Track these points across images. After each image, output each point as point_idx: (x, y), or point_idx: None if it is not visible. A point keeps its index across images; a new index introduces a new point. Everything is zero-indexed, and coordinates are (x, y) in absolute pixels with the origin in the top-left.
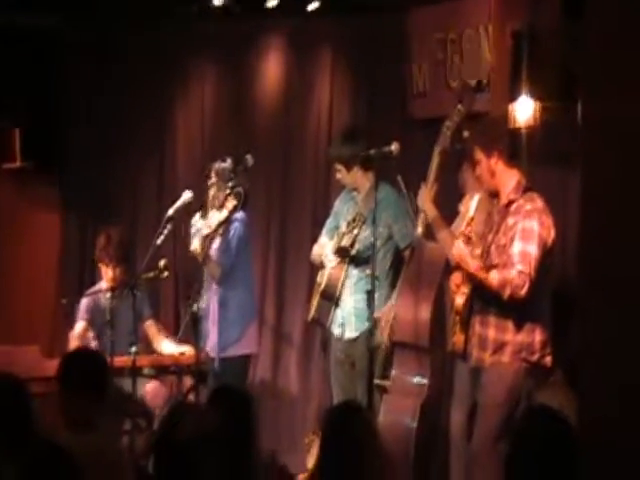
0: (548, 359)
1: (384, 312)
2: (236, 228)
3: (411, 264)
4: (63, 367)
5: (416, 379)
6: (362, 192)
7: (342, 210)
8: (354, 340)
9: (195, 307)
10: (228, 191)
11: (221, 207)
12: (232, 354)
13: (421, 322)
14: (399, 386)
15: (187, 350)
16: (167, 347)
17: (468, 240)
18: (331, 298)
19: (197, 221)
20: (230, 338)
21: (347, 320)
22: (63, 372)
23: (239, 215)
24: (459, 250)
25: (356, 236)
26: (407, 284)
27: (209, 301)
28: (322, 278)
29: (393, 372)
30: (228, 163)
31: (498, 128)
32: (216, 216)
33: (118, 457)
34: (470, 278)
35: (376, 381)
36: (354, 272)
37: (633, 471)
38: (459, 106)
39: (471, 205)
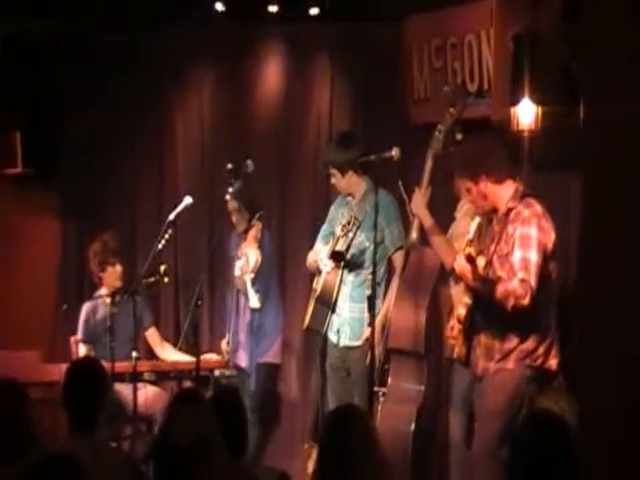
0: (553, 362)
1: (377, 320)
2: (266, 250)
3: (406, 269)
4: (66, 376)
5: (412, 386)
6: (357, 197)
7: (337, 216)
8: (349, 348)
9: (196, 314)
10: (252, 219)
11: (246, 232)
12: (264, 361)
13: (416, 328)
14: (395, 393)
15: (211, 357)
16: (171, 355)
17: (470, 259)
18: (327, 304)
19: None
20: (264, 346)
21: (343, 328)
22: (67, 380)
23: (267, 237)
24: (460, 267)
25: (351, 240)
26: (402, 290)
27: (241, 314)
28: (318, 284)
29: (389, 379)
30: (230, 167)
31: (478, 150)
32: (252, 254)
33: (118, 462)
34: (471, 290)
35: (375, 389)
36: (349, 278)
37: (634, 476)
38: (451, 109)
39: (471, 227)
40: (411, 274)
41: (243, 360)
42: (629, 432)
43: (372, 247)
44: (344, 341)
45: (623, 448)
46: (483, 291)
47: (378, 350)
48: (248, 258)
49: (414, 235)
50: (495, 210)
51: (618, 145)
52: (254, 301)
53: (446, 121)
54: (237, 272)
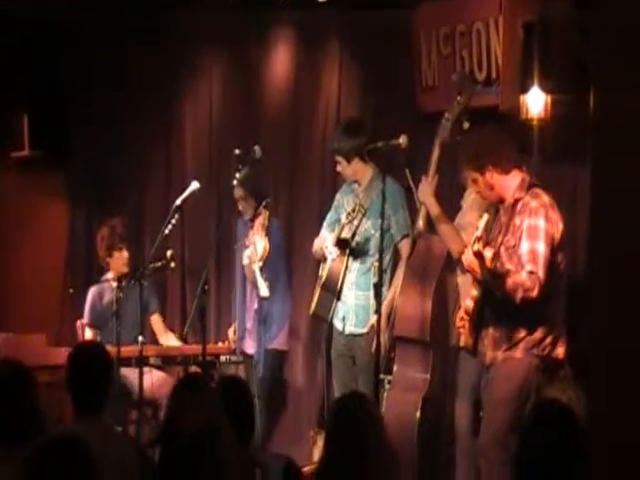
0: (560, 350)
1: (383, 308)
2: (274, 238)
3: (412, 257)
4: (70, 359)
5: (418, 374)
6: (363, 184)
7: (342, 203)
8: (355, 335)
9: (203, 298)
10: (259, 207)
11: (253, 220)
12: (271, 347)
13: (422, 316)
14: (401, 381)
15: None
16: (172, 344)
17: (478, 255)
18: (333, 291)
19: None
20: (271, 333)
21: (348, 315)
22: (70, 364)
23: (275, 225)
24: (469, 261)
25: (356, 227)
26: (408, 278)
27: (248, 302)
28: (323, 271)
29: (395, 367)
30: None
31: (483, 141)
32: (259, 243)
33: (124, 446)
34: (480, 282)
35: (381, 376)
36: (355, 266)
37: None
38: (458, 97)
39: (479, 224)
40: (418, 262)
41: (250, 347)
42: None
43: (378, 235)
44: (349, 328)
45: (632, 440)
46: (492, 284)
47: (384, 338)
48: (256, 247)
49: (421, 223)
50: (502, 200)
51: (628, 135)
52: (264, 290)
53: (453, 109)
54: (245, 261)
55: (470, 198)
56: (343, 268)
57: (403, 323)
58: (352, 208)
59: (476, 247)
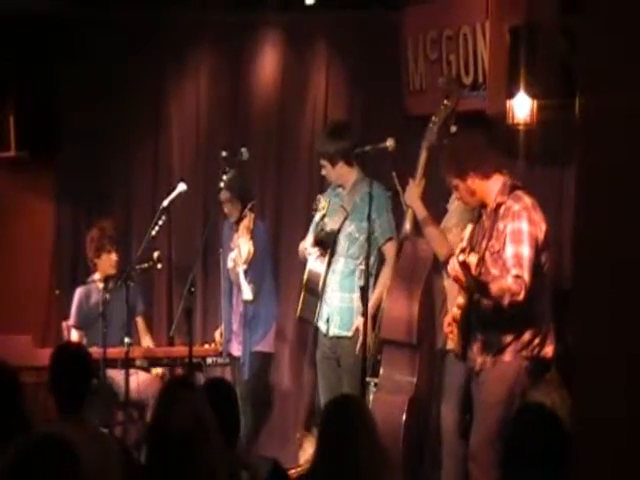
0: (549, 349)
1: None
2: (259, 240)
3: (399, 260)
4: (52, 360)
5: (404, 377)
6: (347, 187)
7: (326, 206)
8: (339, 337)
9: (190, 300)
10: (244, 209)
11: (238, 223)
12: (257, 349)
13: (409, 319)
14: (387, 383)
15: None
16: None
17: (464, 266)
18: (315, 292)
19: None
20: (258, 336)
21: (332, 317)
22: (51, 365)
23: (260, 227)
24: (454, 271)
25: (338, 230)
26: (395, 281)
27: (234, 305)
28: (304, 273)
29: (382, 370)
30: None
31: (464, 147)
32: (244, 245)
33: (107, 446)
34: (466, 290)
35: (367, 379)
36: (339, 268)
37: (627, 470)
38: (445, 101)
39: (465, 234)
40: (404, 265)
41: (236, 349)
42: (632, 431)
43: (362, 238)
44: (333, 330)
45: (617, 447)
46: (478, 291)
47: (371, 340)
48: (240, 250)
49: (408, 226)
50: (484, 205)
51: (613, 139)
52: (247, 293)
53: (440, 113)
54: (230, 264)
55: (456, 202)
56: (324, 269)
57: (390, 326)
58: (320, 205)
59: (461, 258)
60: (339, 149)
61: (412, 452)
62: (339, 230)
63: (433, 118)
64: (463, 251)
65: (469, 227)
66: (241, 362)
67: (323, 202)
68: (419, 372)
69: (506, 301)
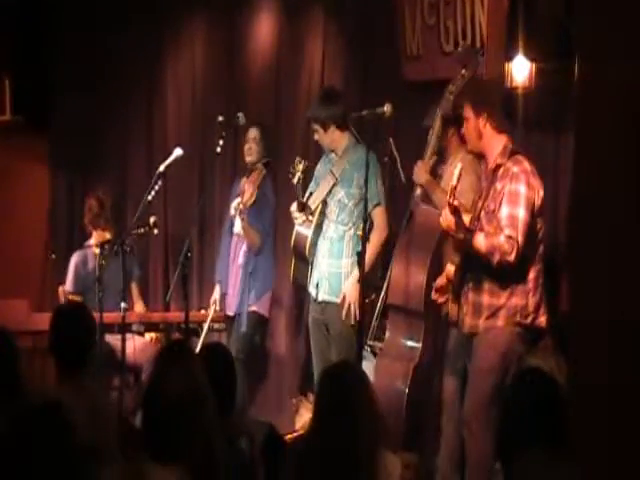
0: (542, 319)
1: (355, 276)
2: (269, 199)
3: (409, 228)
4: (53, 320)
5: (409, 342)
6: (339, 153)
7: (323, 173)
8: (327, 303)
9: (186, 265)
10: (263, 158)
11: (250, 173)
12: (253, 309)
13: (416, 286)
14: (392, 349)
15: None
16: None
17: (455, 210)
18: (302, 257)
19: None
20: (253, 294)
21: (322, 282)
22: (53, 325)
23: (268, 184)
24: (446, 221)
25: (326, 195)
26: (404, 248)
27: (232, 260)
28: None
29: (387, 334)
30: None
31: (492, 91)
32: (248, 190)
33: (105, 409)
34: (459, 246)
35: (369, 342)
36: (329, 234)
37: (622, 436)
38: (463, 71)
39: (454, 174)
40: (414, 233)
41: (231, 308)
42: (620, 397)
43: (351, 204)
44: (322, 295)
45: (613, 413)
46: (469, 245)
47: (355, 308)
48: (244, 194)
49: (418, 191)
50: (481, 155)
51: (611, 103)
52: (237, 226)
53: (457, 82)
54: (232, 211)
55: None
56: (310, 233)
57: (398, 292)
58: (295, 167)
59: (452, 201)
60: (330, 114)
61: (414, 418)
62: (328, 195)
63: (450, 87)
64: (454, 191)
65: (459, 166)
66: (236, 317)
67: (301, 166)
68: (424, 339)
69: (496, 258)
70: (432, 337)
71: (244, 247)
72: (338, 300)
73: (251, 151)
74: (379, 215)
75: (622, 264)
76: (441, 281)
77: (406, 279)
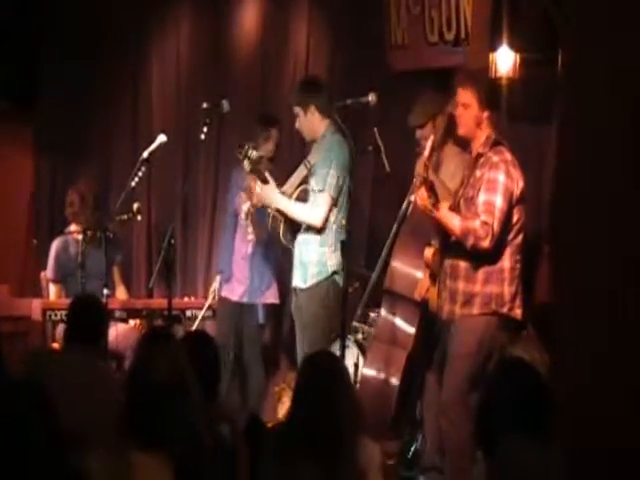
0: (518, 311)
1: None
2: None
3: (409, 217)
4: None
5: (405, 325)
6: (317, 141)
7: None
8: (300, 290)
9: (170, 252)
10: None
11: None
12: (259, 301)
13: (415, 275)
14: (386, 329)
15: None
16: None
17: (430, 187)
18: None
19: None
20: (263, 288)
21: (295, 269)
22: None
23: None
24: (422, 199)
25: (301, 181)
26: (405, 236)
27: (234, 254)
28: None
29: (382, 313)
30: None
31: (484, 81)
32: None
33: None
34: (436, 227)
35: (354, 323)
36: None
37: (606, 433)
38: None
39: (427, 145)
40: (415, 222)
41: (236, 293)
42: (603, 392)
43: (317, 189)
44: (295, 282)
45: (598, 401)
46: (444, 224)
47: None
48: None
49: (417, 182)
50: (464, 135)
51: (595, 94)
52: (242, 218)
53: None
54: (242, 216)
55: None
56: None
57: (397, 280)
58: (241, 150)
59: (428, 175)
60: (311, 97)
61: (400, 407)
62: (302, 183)
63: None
64: (428, 162)
65: (431, 137)
66: (246, 306)
67: (250, 151)
68: (418, 326)
69: (470, 242)
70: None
71: (251, 237)
72: (305, 285)
73: (266, 148)
74: (321, 200)
75: (603, 255)
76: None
77: (406, 268)
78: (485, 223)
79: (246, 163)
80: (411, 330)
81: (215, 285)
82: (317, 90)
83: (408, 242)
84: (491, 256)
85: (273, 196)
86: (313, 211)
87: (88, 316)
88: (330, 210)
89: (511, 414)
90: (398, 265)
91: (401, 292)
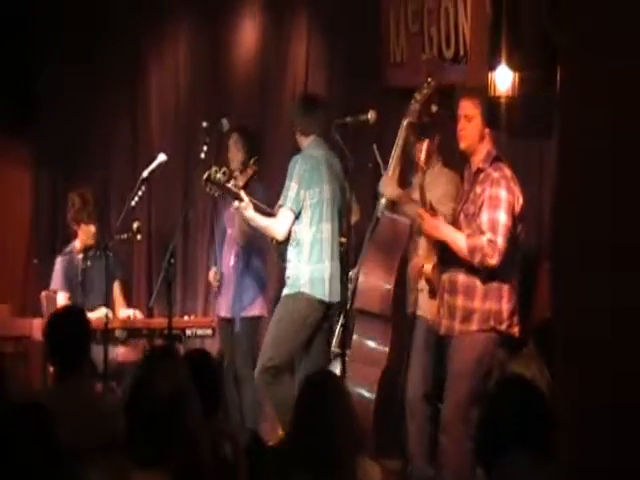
0: (516, 329)
1: None
2: (258, 194)
3: (376, 234)
4: (49, 324)
5: (378, 345)
6: None
7: None
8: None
9: (170, 271)
10: (247, 161)
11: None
12: (244, 315)
13: (384, 292)
14: (360, 352)
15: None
16: (123, 313)
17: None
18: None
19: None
20: (245, 301)
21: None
22: (49, 329)
23: (257, 184)
24: (433, 228)
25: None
26: (372, 253)
27: (221, 267)
28: None
29: (354, 337)
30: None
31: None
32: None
33: (105, 407)
34: (438, 245)
35: (334, 349)
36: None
37: (607, 444)
38: (429, 79)
39: (423, 147)
40: (382, 239)
41: (222, 308)
42: (604, 405)
43: (307, 204)
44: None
45: (599, 419)
46: (451, 243)
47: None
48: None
49: (383, 202)
50: (467, 148)
51: (593, 113)
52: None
53: (423, 91)
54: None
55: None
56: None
57: (365, 297)
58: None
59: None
60: (295, 116)
61: (380, 423)
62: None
63: (416, 95)
64: (422, 170)
65: (426, 142)
66: (232, 321)
67: (214, 175)
68: (391, 342)
69: (476, 259)
70: (398, 337)
71: (235, 250)
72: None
73: (233, 156)
74: (281, 215)
75: (605, 267)
76: (421, 285)
77: (374, 285)
78: (491, 241)
79: (214, 189)
80: (384, 348)
81: (211, 275)
82: (298, 108)
83: (374, 260)
84: (490, 272)
85: (246, 213)
86: (274, 225)
87: (66, 332)
88: (292, 223)
89: (512, 431)
90: (363, 280)
91: (369, 309)
